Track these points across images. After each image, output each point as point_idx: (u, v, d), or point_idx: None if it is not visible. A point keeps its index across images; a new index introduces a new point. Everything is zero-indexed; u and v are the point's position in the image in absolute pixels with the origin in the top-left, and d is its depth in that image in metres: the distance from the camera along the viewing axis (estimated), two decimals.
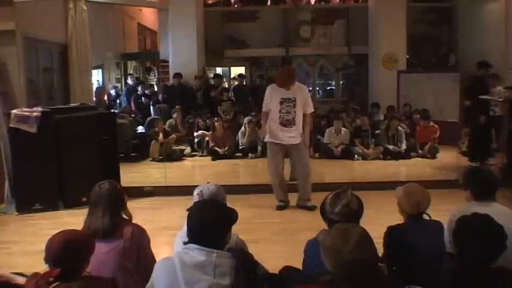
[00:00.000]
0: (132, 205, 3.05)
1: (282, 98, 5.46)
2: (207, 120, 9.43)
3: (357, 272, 1.79)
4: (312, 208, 5.39)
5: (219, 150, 8.81)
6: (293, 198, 5.75)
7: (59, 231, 2.21)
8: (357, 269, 1.79)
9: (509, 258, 2.18)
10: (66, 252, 2.10)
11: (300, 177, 5.69)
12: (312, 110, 5.80)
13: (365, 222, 2.31)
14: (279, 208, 5.67)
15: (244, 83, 11.79)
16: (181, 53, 10.92)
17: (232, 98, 10.57)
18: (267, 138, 5.67)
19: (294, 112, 5.45)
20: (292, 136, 5.50)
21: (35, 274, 2.15)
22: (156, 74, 13.84)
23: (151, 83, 13.44)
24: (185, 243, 2.18)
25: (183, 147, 9.13)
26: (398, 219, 2.85)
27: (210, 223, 2.15)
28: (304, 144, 5.60)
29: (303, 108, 5.53)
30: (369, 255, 1.83)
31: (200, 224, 2.16)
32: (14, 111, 5.87)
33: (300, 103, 5.47)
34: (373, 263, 1.86)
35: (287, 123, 5.46)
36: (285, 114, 5.46)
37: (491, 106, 7.56)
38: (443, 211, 2.79)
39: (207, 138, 9.04)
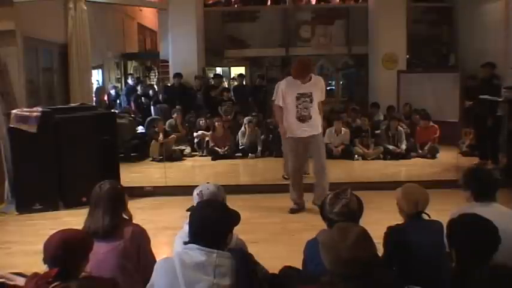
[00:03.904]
0: (132, 205, 3.05)
1: (298, 93, 5.38)
2: (207, 120, 9.43)
3: (352, 270, 1.79)
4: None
5: (219, 150, 8.81)
6: (310, 198, 5.69)
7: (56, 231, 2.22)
8: (352, 266, 1.79)
9: (509, 257, 2.18)
10: (65, 251, 2.10)
11: (316, 175, 5.58)
12: (323, 99, 5.69)
13: (365, 222, 2.31)
14: (292, 211, 5.56)
15: (244, 83, 11.78)
16: (181, 53, 10.91)
17: (233, 98, 10.57)
18: (287, 135, 5.58)
19: (311, 108, 5.39)
20: (310, 129, 5.44)
21: (35, 274, 2.14)
22: (156, 73, 13.84)
23: (151, 83, 13.44)
24: (185, 243, 2.18)
25: (183, 147, 9.12)
26: (398, 219, 2.85)
27: (212, 223, 2.15)
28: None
29: (319, 99, 5.49)
30: (367, 254, 1.82)
31: (202, 224, 2.16)
32: (14, 111, 5.88)
33: (316, 97, 5.41)
34: (371, 262, 1.84)
35: (304, 118, 5.41)
36: (302, 110, 5.40)
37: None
38: (443, 211, 2.78)
39: (207, 138, 9.04)
